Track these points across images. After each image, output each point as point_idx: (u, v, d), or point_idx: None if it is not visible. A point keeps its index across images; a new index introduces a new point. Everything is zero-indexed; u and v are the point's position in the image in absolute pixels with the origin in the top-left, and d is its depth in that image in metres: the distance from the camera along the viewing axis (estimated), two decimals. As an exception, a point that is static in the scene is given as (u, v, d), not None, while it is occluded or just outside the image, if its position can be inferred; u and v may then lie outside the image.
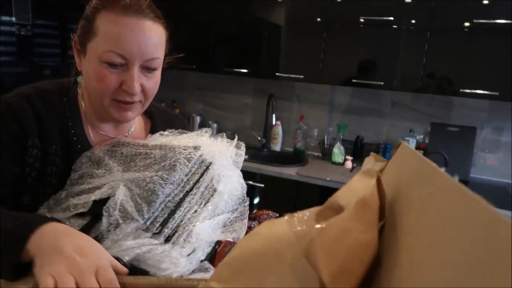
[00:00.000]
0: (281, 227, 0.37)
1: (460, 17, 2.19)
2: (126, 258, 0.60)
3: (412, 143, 2.62)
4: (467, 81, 2.22)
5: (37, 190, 0.76)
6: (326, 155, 2.76)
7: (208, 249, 0.68)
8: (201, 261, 0.67)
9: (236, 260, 0.37)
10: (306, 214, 0.37)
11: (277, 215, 1.62)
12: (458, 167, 2.47)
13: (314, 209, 0.37)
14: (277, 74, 2.65)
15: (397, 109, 2.73)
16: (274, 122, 2.91)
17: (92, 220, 0.66)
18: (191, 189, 0.71)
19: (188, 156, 0.73)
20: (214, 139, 0.81)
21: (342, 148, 2.65)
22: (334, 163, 2.65)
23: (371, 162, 0.49)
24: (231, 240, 0.83)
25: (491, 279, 0.22)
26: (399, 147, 0.49)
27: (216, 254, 0.83)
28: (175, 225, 0.66)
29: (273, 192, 2.52)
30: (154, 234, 0.64)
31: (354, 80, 2.45)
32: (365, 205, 0.32)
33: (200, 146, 0.76)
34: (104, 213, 0.64)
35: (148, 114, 0.94)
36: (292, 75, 2.61)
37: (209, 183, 0.73)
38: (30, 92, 0.79)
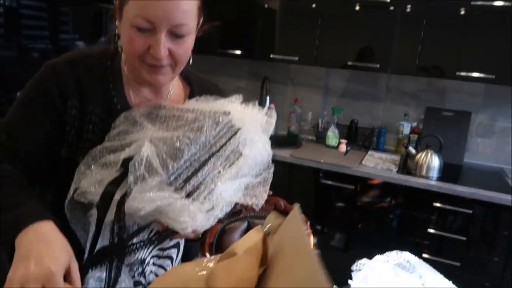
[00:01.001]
0: (190, 268, 0.51)
1: (457, -1, 2.17)
2: (147, 209, 0.66)
3: (406, 128, 2.61)
4: (464, 65, 2.21)
5: (76, 146, 0.82)
6: (320, 138, 2.75)
7: (227, 209, 0.72)
8: (219, 219, 0.71)
9: None
10: (211, 258, 0.52)
11: (271, 192, 1.61)
12: (452, 152, 2.47)
13: (216, 256, 0.52)
14: (271, 56, 2.61)
15: (392, 93, 2.72)
16: (268, 105, 2.89)
17: (122, 174, 0.72)
18: (217, 151, 0.75)
19: (217, 120, 0.77)
20: (246, 106, 0.84)
21: (336, 131, 2.63)
22: (328, 146, 2.64)
23: (272, 218, 0.67)
24: (222, 224, 0.85)
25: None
26: (293, 210, 0.60)
27: (206, 235, 0.86)
28: (198, 183, 0.71)
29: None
30: (176, 189, 0.69)
31: (349, 63, 2.43)
32: (250, 253, 0.46)
33: (230, 112, 0.79)
34: (130, 168, 0.69)
35: (187, 80, 0.98)
36: (287, 57, 2.57)
37: (235, 148, 0.76)
38: (75, 57, 0.85)
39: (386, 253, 1.26)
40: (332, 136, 2.63)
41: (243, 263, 0.43)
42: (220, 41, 2.77)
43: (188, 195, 0.70)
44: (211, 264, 0.49)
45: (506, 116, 2.49)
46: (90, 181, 0.74)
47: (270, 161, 0.84)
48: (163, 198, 0.67)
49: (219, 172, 0.74)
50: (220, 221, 0.73)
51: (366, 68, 2.43)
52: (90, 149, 0.79)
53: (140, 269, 0.83)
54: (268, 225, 0.63)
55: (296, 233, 0.50)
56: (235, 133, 0.77)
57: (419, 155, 2.24)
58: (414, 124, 2.65)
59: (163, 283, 0.49)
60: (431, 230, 2.18)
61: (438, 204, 2.14)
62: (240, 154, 0.76)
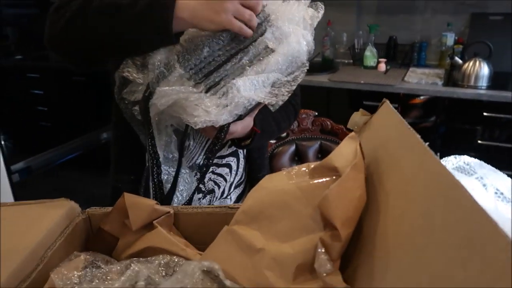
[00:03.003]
0: (282, 182, 0.46)
1: None
2: (163, 103, 0.64)
3: (450, 38, 2.44)
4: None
5: None
6: (358, 60, 2.63)
7: (248, 105, 0.68)
8: (239, 116, 0.68)
9: (251, 210, 0.45)
10: (302, 169, 0.47)
11: (316, 113, 1.58)
12: (501, 59, 2.30)
13: (307, 165, 0.47)
14: (300, -25, 2.45)
15: (432, 2, 2.52)
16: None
17: None
18: (245, 47, 0.69)
19: None
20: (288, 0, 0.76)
21: (374, 50, 2.51)
22: (366, 67, 2.53)
23: (358, 115, 0.59)
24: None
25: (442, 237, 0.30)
26: (382, 105, 0.56)
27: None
28: (219, 78, 0.67)
29: (305, 98, 2.47)
30: (196, 83, 0.66)
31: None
32: (356, 169, 0.41)
33: (266, 4, 0.71)
34: (149, 67, 0.66)
35: None
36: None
37: (267, 44, 0.70)
38: None
39: (444, 158, 1.23)
40: (370, 56, 2.51)
41: (352, 181, 0.40)
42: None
43: (208, 90, 0.67)
44: (304, 178, 0.45)
45: (562, 13, 2.27)
46: (134, 81, 0.73)
47: (305, 58, 0.75)
48: (179, 92, 0.65)
49: (244, 68, 0.69)
50: (239, 117, 0.69)
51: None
52: None
53: (198, 175, 0.83)
54: (354, 125, 0.58)
55: (399, 130, 0.45)
56: (267, 28, 0.71)
57: (466, 65, 2.11)
58: (459, 31, 2.47)
59: (258, 200, 0.46)
60: (480, 141, 2.12)
61: (487, 114, 2.05)
62: (272, 50, 0.70)
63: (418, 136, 0.41)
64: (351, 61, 2.70)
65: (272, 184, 0.45)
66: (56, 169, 2.15)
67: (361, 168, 0.41)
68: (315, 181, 0.43)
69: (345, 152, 0.43)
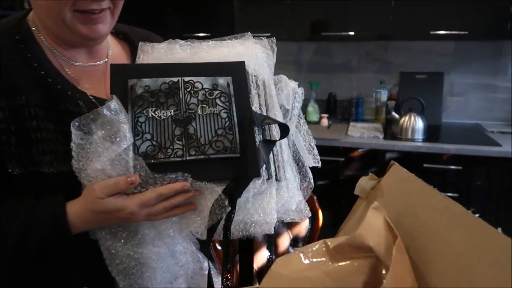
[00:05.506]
0: (302, 266, 0.36)
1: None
2: (270, 221, 0.61)
3: (384, 95, 2.60)
4: (436, 24, 2.21)
5: (28, 154, 0.63)
6: (300, 115, 2.68)
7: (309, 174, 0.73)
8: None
9: None
10: (315, 247, 0.37)
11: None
12: (430, 114, 2.48)
13: (323, 242, 0.38)
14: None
15: (365, 62, 2.70)
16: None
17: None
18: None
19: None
20: (241, 42, 0.71)
21: (316, 106, 2.58)
22: (310, 122, 2.57)
23: (365, 180, 0.55)
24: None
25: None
26: (391, 168, 0.53)
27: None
28: (276, 164, 0.65)
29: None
30: (267, 180, 0.62)
31: (323, 33, 2.37)
32: (400, 250, 0.35)
33: (244, 61, 0.67)
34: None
35: (121, 35, 0.80)
36: (258, 35, 2.46)
37: (276, 103, 0.70)
38: None
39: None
40: (313, 111, 2.57)
41: (400, 266, 0.35)
42: (181, 24, 2.63)
43: (278, 179, 0.64)
44: (327, 260, 0.37)
45: (475, 72, 2.54)
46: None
47: (297, 100, 0.76)
48: (265, 197, 0.62)
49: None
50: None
51: (341, 38, 2.38)
52: (49, 150, 0.62)
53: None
54: (361, 190, 0.52)
55: (428, 196, 0.41)
56: (257, 84, 0.67)
57: (402, 119, 2.23)
58: (391, 88, 2.65)
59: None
60: (422, 192, 2.19)
61: (427, 165, 2.15)
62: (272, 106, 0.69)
63: (458, 204, 0.35)
64: (294, 116, 2.75)
65: (290, 269, 0.36)
66: None
67: (403, 248, 0.34)
68: (343, 264, 0.35)
69: (375, 226, 0.36)
